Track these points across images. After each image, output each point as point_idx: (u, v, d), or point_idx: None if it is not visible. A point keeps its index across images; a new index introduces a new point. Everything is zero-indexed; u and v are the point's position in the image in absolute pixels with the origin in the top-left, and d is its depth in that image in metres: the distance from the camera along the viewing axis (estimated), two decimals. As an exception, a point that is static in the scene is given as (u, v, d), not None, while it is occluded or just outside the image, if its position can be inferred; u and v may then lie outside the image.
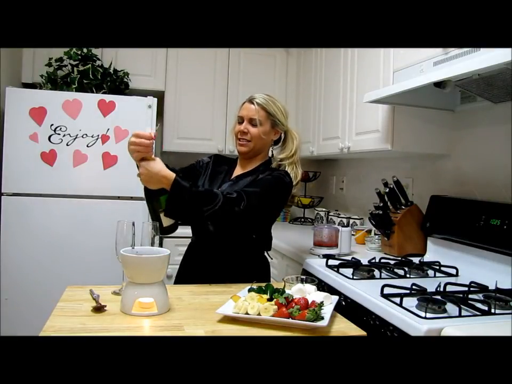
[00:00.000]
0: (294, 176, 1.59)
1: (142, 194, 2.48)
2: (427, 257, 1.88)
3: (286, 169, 1.60)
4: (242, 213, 1.37)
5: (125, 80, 2.79)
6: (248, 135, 1.58)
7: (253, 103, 1.59)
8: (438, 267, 1.69)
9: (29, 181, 2.38)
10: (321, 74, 2.72)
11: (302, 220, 3.21)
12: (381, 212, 1.97)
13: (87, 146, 2.44)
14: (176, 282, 1.65)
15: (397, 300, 1.23)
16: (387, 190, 2.01)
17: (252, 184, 1.53)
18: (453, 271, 1.65)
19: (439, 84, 1.49)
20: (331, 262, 1.75)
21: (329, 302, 1.19)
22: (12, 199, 2.36)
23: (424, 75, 1.52)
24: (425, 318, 1.11)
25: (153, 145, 1.39)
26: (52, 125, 2.39)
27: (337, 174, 3.19)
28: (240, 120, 1.61)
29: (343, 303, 1.42)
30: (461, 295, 1.30)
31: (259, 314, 1.09)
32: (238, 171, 1.67)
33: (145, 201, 1.54)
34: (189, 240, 1.69)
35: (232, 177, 1.64)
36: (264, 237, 1.65)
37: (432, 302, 1.17)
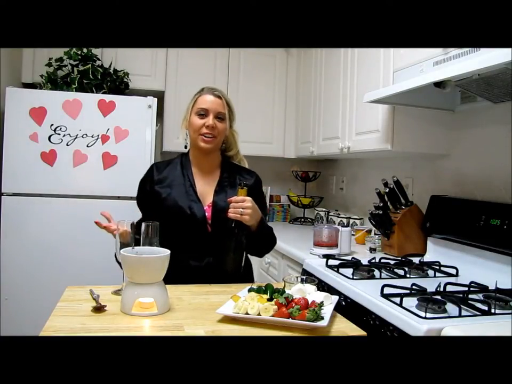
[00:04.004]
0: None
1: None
2: (427, 257, 1.88)
3: (244, 164, 1.68)
4: None
5: (125, 80, 2.79)
6: (216, 130, 1.51)
7: (219, 97, 1.54)
8: (438, 267, 1.69)
9: (29, 181, 2.38)
10: (321, 74, 2.72)
11: (302, 220, 3.21)
12: (381, 212, 1.97)
13: (87, 146, 2.44)
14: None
15: (397, 300, 1.24)
16: (387, 190, 2.01)
17: (259, 205, 1.51)
18: (453, 271, 1.65)
19: (439, 84, 1.49)
20: (331, 262, 1.75)
21: (329, 302, 1.19)
22: (12, 199, 2.36)
23: (424, 75, 1.52)
24: (425, 318, 1.11)
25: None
26: (52, 125, 2.39)
27: (337, 174, 3.19)
28: (203, 113, 1.52)
29: (343, 303, 1.42)
30: (461, 295, 1.30)
31: (259, 314, 1.09)
32: (200, 175, 1.59)
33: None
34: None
35: (197, 183, 1.56)
36: None
37: (432, 302, 1.17)
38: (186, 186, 1.55)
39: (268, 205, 1.64)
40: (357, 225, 2.60)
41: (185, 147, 1.63)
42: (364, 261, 1.74)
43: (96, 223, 1.44)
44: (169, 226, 1.52)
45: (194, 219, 1.50)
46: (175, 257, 1.53)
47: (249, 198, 1.42)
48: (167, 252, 1.20)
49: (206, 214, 1.52)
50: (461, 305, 1.17)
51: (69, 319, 1.10)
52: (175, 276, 1.45)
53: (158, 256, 1.18)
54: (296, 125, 3.15)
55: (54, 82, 2.58)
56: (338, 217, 2.80)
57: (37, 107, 2.37)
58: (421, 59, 1.65)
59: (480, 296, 1.33)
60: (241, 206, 1.40)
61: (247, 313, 1.10)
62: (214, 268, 1.49)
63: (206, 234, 1.51)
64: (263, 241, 1.58)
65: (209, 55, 3.03)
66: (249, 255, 1.64)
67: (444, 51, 1.52)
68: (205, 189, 1.56)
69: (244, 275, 1.54)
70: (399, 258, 1.86)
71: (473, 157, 1.85)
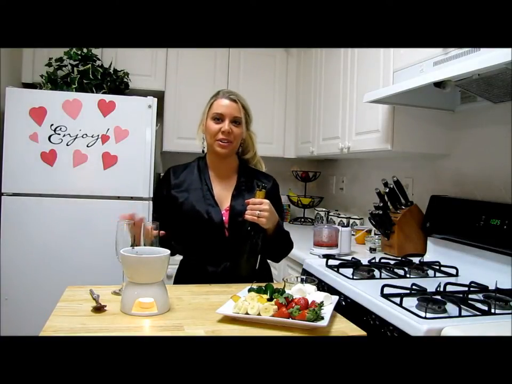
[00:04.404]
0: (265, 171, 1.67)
1: (141, 194, 2.51)
2: (427, 257, 1.88)
3: (262, 169, 1.66)
4: None
5: (125, 80, 2.79)
6: (232, 135, 1.50)
7: (234, 101, 1.52)
8: (438, 267, 1.69)
9: (29, 181, 2.38)
10: (321, 74, 2.72)
11: (302, 220, 3.21)
12: (381, 212, 1.97)
13: (87, 146, 2.43)
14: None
15: (397, 300, 1.24)
16: (387, 190, 2.01)
17: (276, 211, 1.50)
18: (453, 271, 1.65)
19: (439, 84, 1.49)
20: (331, 262, 1.75)
21: (329, 302, 1.19)
22: (12, 199, 2.36)
23: (424, 75, 1.52)
24: (425, 318, 1.11)
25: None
26: (52, 125, 2.39)
27: (337, 174, 3.19)
28: (219, 118, 1.50)
29: (343, 303, 1.42)
30: (461, 295, 1.30)
31: (259, 314, 1.09)
32: (217, 180, 1.58)
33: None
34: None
35: (215, 187, 1.55)
36: None
37: (432, 302, 1.17)
38: (204, 191, 1.54)
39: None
40: (357, 225, 2.60)
41: (203, 151, 1.63)
42: (364, 261, 1.74)
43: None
44: (186, 231, 1.54)
45: (211, 223, 1.49)
46: (191, 262, 1.56)
47: (267, 201, 1.40)
48: (167, 251, 1.19)
49: (224, 218, 1.50)
50: (461, 305, 1.17)
51: (69, 319, 1.10)
52: (191, 280, 1.49)
53: (158, 256, 1.18)
54: (296, 125, 3.15)
55: (54, 82, 2.58)
56: (338, 217, 2.80)
57: (37, 107, 2.37)
58: (421, 59, 1.65)
59: (480, 296, 1.33)
60: (259, 208, 1.38)
61: (247, 313, 1.10)
62: (230, 272, 1.48)
63: (223, 239, 1.50)
64: (279, 246, 1.54)
65: (209, 55, 3.03)
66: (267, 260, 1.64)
67: (444, 51, 1.52)
68: (223, 193, 1.55)
69: (262, 279, 1.48)
70: (399, 258, 1.86)
71: (473, 157, 1.85)
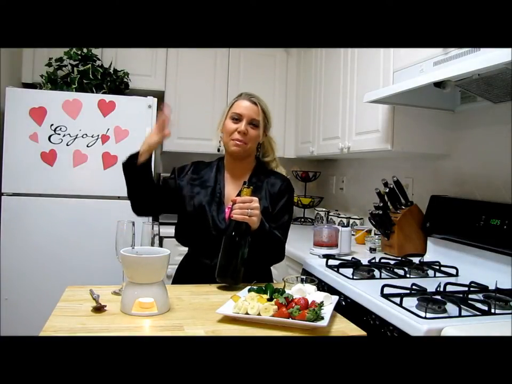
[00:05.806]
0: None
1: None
2: (427, 257, 1.88)
3: (279, 171, 1.64)
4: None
5: (125, 80, 2.79)
6: (247, 137, 1.51)
7: (255, 104, 1.53)
8: (438, 267, 1.69)
9: (29, 181, 2.38)
10: (321, 74, 2.72)
11: (302, 220, 3.21)
12: (381, 212, 1.97)
13: (87, 146, 2.44)
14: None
15: (397, 299, 1.24)
16: (387, 190, 2.01)
17: (280, 212, 1.54)
18: (453, 271, 1.65)
19: (439, 84, 1.50)
20: (331, 262, 1.75)
21: (329, 302, 1.19)
22: (12, 199, 2.36)
23: (424, 75, 1.52)
24: (425, 318, 1.11)
25: None
26: (52, 125, 2.39)
27: (337, 174, 3.19)
28: (237, 118, 1.51)
29: (343, 303, 1.42)
30: (461, 295, 1.30)
31: (259, 314, 1.09)
32: (231, 180, 1.59)
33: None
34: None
35: (227, 186, 1.57)
36: None
37: (432, 302, 1.17)
38: (216, 189, 1.55)
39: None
40: (357, 225, 2.60)
41: (218, 150, 1.63)
42: (364, 261, 1.74)
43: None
44: (189, 224, 1.55)
45: (212, 221, 1.50)
46: (190, 256, 1.59)
47: (256, 198, 1.38)
48: (167, 251, 1.20)
49: (226, 215, 1.51)
50: (461, 305, 1.17)
51: (69, 319, 1.10)
52: (190, 273, 1.53)
53: (158, 256, 1.18)
54: (296, 125, 3.15)
55: (54, 82, 2.58)
56: (338, 217, 2.80)
57: (37, 107, 2.37)
58: (421, 59, 1.65)
59: (480, 296, 1.33)
60: (249, 207, 1.35)
61: (247, 313, 1.10)
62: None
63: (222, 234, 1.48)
64: (265, 245, 1.47)
65: (209, 55, 3.03)
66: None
67: (444, 51, 1.52)
68: (232, 192, 1.56)
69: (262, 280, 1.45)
70: (399, 258, 1.86)
71: (473, 157, 1.85)
